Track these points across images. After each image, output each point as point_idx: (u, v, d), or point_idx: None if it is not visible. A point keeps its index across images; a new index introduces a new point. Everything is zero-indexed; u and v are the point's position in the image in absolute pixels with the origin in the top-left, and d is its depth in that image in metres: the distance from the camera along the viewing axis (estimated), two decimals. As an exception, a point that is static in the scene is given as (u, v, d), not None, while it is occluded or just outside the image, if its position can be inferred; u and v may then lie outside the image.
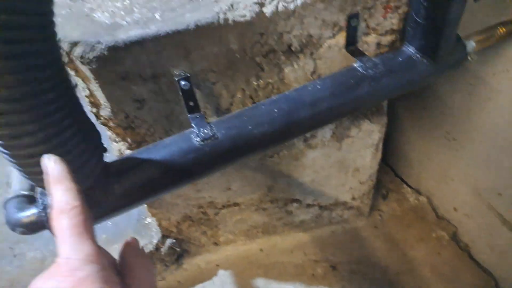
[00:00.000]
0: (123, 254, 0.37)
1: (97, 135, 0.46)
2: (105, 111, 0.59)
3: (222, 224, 0.96)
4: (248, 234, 1.04)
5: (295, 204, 0.98)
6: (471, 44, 0.71)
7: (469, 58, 0.71)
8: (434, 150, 1.14)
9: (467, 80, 0.92)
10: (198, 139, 0.54)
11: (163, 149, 0.53)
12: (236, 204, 0.90)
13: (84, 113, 0.43)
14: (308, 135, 0.83)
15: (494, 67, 0.84)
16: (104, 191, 0.48)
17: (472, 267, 1.08)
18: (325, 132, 0.83)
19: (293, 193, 0.94)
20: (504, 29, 0.73)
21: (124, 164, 0.51)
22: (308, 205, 1.01)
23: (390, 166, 1.37)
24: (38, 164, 0.35)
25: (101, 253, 0.31)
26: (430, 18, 0.60)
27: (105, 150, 0.48)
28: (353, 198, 1.06)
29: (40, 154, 0.35)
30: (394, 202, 1.25)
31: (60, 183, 0.33)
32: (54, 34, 0.35)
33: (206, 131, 0.54)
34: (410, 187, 1.29)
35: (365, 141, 0.89)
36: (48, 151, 0.35)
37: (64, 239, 0.30)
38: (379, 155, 0.96)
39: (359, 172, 0.97)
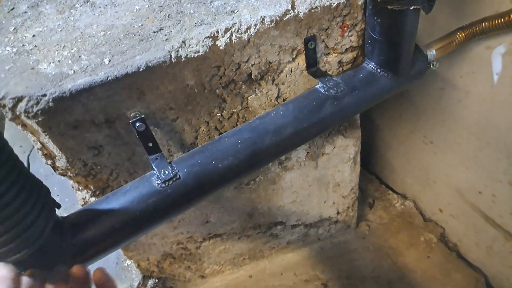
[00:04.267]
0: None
1: (44, 192, 0.43)
2: (61, 162, 0.56)
3: (206, 257, 0.93)
4: (235, 262, 1.01)
5: (279, 227, 0.96)
6: (431, 53, 0.71)
7: (431, 66, 0.71)
8: (414, 154, 1.13)
9: (436, 84, 0.92)
10: (159, 181, 0.52)
11: (122, 196, 0.51)
12: (217, 235, 0.88)
13: (25, 171, 0.40)
14: (282, 158, 0.81)
15: (460, 69, 0.84)
16: (59, 249, 0.45)
17: (462, 266, 1.07)
18: (299, 153, 0.82)
19: (275, 216, 0.92)
20: (463, 34, 0.73)
21: (80, 218, 0.48)
22: (293, 226, 0.99)
23: (375, 174, 1.36)
24: None
25: None
26: (386, 33, 0.60)
27: (57, 206, 0.45)
28: (338, 213, 1.04)
29: None
30: (381, 210, 1.24)
31: None
32: None
33: (167, 172, 0.52)
34: (396, 193, 1.28)
35: (341, 156, 0.88)
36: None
37: None
38: (357, 168, 0.95)
39: (340, 187, 0.96)
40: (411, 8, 0.55)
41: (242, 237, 0.92)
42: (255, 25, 0.57)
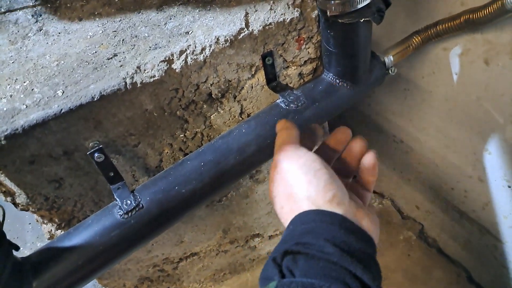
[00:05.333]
0: None
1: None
2: (21, 198, 0.55)
3: (185, 276, 0.92)
4: (216, 278, 1.00)
5: (256, 239, 0.96)
6: (389, 59, 0.72)
7: (389, 72, 0.72)
8: (386, 154, 1.15)
9: (401, 86, 0.94)
10: (121, 212, 0.51)
11: (84, 231, 0.50)
12: (194, 254, 0.87)
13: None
14: (253, 171, 0.81)
15: (422, 71, 0.86)
16: (20, 293, 0.44)
17: (442, 262, 1.09)
18: (269, 164, 0.82)
19: (251, 229, 0.92)
20: (419, 38, 0.75)
21: (41, 257, 0.47)
22: (271, 236, 0.99)
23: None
24: None
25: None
26: (340, 45, 0.60)
27: (14, 247, 0.44)
28: (316, 219, 1.05)
29: None
30: (359, 211, 1.25)
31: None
32: None
33: (129, 201, 0.52)
34: (373, 192, 1.30)
35: (312, 164, 0.88)
36: None
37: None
38: (330, 174, 0.96)
39: (315, 193, 0.97)
40: (362, 21, 0.56)
41: (219, 253, 0.91)
42: (210, 45, 0.57)
